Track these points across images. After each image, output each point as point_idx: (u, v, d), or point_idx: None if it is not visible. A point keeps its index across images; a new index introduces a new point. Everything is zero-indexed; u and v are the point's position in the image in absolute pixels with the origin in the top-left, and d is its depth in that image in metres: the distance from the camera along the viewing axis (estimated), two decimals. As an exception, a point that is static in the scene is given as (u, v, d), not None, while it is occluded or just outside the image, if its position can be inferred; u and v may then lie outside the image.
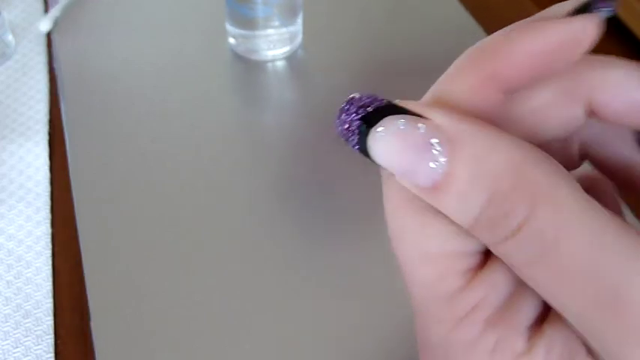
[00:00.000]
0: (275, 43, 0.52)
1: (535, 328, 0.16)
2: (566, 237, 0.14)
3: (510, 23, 0.17)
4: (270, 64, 0.53)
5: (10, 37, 0.54)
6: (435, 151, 0.15)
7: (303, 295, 0.39)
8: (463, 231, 0.16)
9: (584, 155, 0.20)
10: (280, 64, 0.53)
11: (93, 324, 0.38)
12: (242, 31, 0.51)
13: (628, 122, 0.17)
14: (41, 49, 0.54)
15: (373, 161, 0.16)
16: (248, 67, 0.52)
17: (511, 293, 0.17)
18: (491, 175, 0.15)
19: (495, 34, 0.17)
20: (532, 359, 0.16)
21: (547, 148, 0.16)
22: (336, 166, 0.46)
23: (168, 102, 0.50)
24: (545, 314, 0.17)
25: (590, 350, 0.16)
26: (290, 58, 0.53)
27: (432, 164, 0.15)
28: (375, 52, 0.53)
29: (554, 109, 0.17)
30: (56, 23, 0.56)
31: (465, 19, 0.56)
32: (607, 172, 0.19)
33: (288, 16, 0.51)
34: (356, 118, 0.17)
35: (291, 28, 0.52)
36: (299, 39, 0.53)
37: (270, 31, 0.51)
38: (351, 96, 0.17)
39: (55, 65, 0.53)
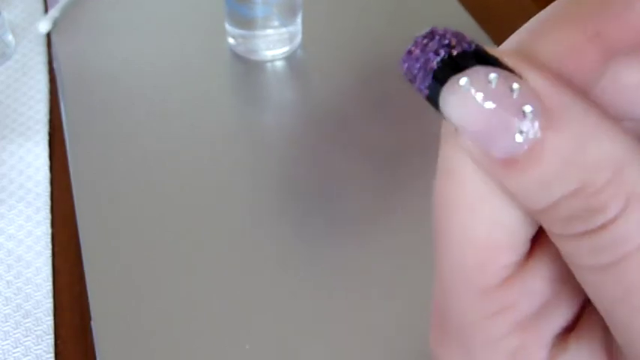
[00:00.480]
0: (274, 43, 0.52)
1: (561, 339, 0.15)
2: None
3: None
4: (269, 64, 0.53)
5: (10, 37, 0.54)
6: (525, 121, 0.13)
7: (302, 295, 0.39)
8: (520, 221, 0.14)
9: None
10: (280, 64, 0.53)
11: (93, 324, 0.38)
12: (241, 31, 0.51)
13: None
14: (41, 49, 0.54)
15: (440, 112, 0.13)
16: (247, 67, 0.52)
17: (546, 301, 0.15)
18: (588, 164, 0.13)
19: None
20: None
21: (630, 127, 0.15)
22: (336, 165, 0.46)
23: (168, 102, 0.50)
24: (574, 326, 0.16)
25: None
26: (289, 58, 0.53)
27: (518, 136, 0.13)
28: (374, 52, 0.53)
29: None
30: (56, 23, 0.56)
31: (465, 19, 0.56)
32: None
33: (288, 16, 0.51)
34: (435, 58, 0.14)
35: (291, 28, 0.52)
36: (298, 39, 0.53)
37: (269, 31, 0.51)
38: (432, 29, 0.14)
39: (55, 65, 0.53)
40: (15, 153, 0.47)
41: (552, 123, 0.13)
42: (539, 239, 0.15)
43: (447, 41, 0.13)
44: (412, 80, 0.14)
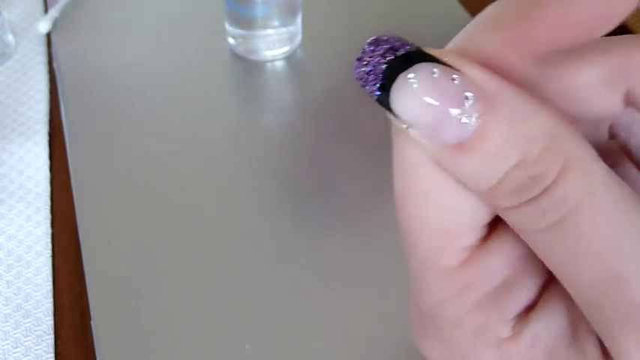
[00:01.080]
0: (274, 43, 0.52)
1: (522, 316, 0.17)
2: (591, 206, 0.14)
3: None
4: (269, 64, 0.53)
5: (10, 37, 0.54)
6: (467, 107, 0.14)
7: (303, 295, 0.39)
8: (472, 206, 0.16)
9: (613, 136, 0.19)
10: (280, 64, 0.53)
11: (93, 324, 0.38)
12: (241, 31, 0.51)
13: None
14: (41, 49, 0.54)
15: (391, 111, 0.15)
16: (247, 67, 0.52)
17: (505, 280, 0.17)
18: (526, 138, 0.14)
19: None
20: (517, 346, 0.16)
21: (575, 125, 0.16)
22: (335, 165, 0.46)
23: (167, 102, 0.50)
24: (535, 303, 0.17)
25: (576, 336, 0.16)
26: (289, 58, 0.53)
27: (464, 119, 0.14)
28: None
29: (593, 94, 0.16)
30: (56, 23, 0.56)
31: (465, 19, 0.56)
32: (634, 159, 0.18)
33: (288, 16, 0.51)
34: (382, 61, 0.15)
35: (291, 28, 0.52)
36: (298, 39, 0.53)
37: (269, 31, 0.51)
38: (376, 37, 0.15)
39: (55, 65, 0.53)
40: (15, 153, 0.47)
41: (490, 106, 0.14)
42: (496, 225, 0.17)
43: (391, 46, 0.15)
44: (364, 85, 0.15)
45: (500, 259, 0.17)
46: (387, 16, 0.57)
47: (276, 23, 0.51)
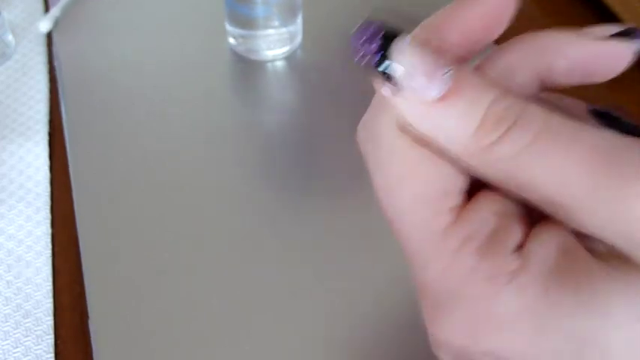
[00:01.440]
0: (275, 43, 0.52)
1: (520, 251, 0.19)
2: (552, 127, 0.17)
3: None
4: (269, 64, 0.53)
5: (10, 37, 0.54)
6: (447, 66, 0.18)
7: (303, 296, 0.39)
8: (447, 171, 0.19)
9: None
10: (280, 64, 0.53)
11: (91, 324, 0.38)
12: (242, 31, 0.51)
13: (579, 77, 0.20)
14: (41, 49, 0.54)
15: (385, 76, 0.19)
16: (248, 67, 0.52)
17: (496, 225, 0.19)
18: (492, 81, 0.19)
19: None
20: (529, 273, 0.18)
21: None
22: (335, 165, 0.46)
23: (168, 102, 0.50)
24: (523, 244, 0.19)
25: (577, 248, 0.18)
26: (290, 58, 0.53)
27: (446, 75, 0.18)
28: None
29: (517, 76, 0.20)
30: (56, 23, 0.56)
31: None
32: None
33: (288, 16, 0.51)
34: (378, 34, 0.19)
35: (291, 28, 0.52)
36: (299, 39, 0.53)
37: (269, 31, 0.51)
38: (362, 26, 0.20)
39: (55, 65, 0.53)
40: (15, 153, 0.47)
41: (462, 66, 0.18)
42: (473, 193, 0.20)
43: (379, 26, 0.19)
44: (363, 55, 0.19)
45: (485, 211, 0.19)
46: (387, 17, 0.57)
47: (276, 23, 0.51)
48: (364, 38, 0.19)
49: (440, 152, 0.19)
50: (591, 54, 0.20)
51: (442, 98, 0.18)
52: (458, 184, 0.19)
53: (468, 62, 0.20)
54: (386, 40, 0.19)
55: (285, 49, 0.53)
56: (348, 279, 0.40)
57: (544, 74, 0.20)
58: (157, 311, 0.38)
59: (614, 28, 0.20)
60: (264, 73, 0.52)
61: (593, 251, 0.18)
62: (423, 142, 0.19)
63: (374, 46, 0.19)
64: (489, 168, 0.18)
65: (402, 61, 0.18)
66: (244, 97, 0.51)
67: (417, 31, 0.20)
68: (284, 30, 0.51)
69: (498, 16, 0.20)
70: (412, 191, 0.19)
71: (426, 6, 0.59)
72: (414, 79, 0.18)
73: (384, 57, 0.18)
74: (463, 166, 0.19)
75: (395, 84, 0.18)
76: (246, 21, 0.50)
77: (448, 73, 0.18)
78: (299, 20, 0.52)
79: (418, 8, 0.58)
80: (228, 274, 0.40)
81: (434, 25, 0.20)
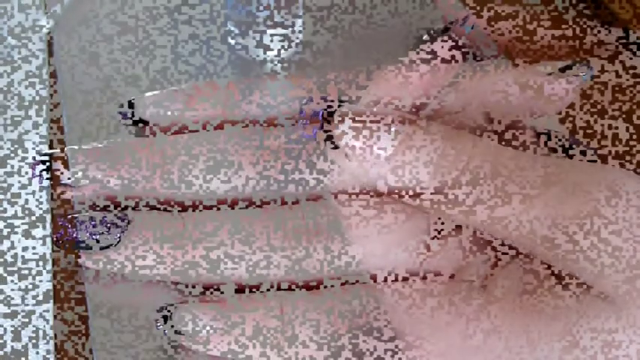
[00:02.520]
0: (275, 44, 0.52)
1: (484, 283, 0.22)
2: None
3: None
4: (269, 64, 0.53)
5: (10, 37, 0.54)
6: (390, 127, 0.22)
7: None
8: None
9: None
10: (280, 64, 0.53)
11: (91, 324, 0.38)
12: (242, 31, 0.51)
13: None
14: (41, 48, 0.54)
15: (339, 147, 0.22)
16: (248, 67, 0.52)
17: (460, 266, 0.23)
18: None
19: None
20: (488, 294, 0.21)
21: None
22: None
23: (168, 102, 0.50)
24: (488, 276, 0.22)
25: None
26: (290, 59, 0.53)
27: (393, 128, 0.21)
28: (374, 53, 0.53)
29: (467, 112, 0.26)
30: (57, 23, 0.56)
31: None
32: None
33: (288, 16, 0.51)
34: (321, 111, 0.23)
35: (291, 29, 0.52)
36: (299, 39, 0.53)
37: (269, 31, 0.51)
38: (302, 109, 0.24)
39: (56, 65, 0.53)
40: (15, 153, 0.47)
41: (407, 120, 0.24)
42: None
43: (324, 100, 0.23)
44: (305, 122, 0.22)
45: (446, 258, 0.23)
46: (388, 17, 0.57)
47: (276, 23, 0.51)
48: (306, 122, 0.22)
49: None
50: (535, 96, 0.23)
51: (387, 159, 0.23)
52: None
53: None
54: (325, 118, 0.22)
55: (284, 50, 0.53)
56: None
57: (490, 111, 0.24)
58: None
59: (560, 64, 0.22)
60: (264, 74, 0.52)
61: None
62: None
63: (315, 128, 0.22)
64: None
65: (345, 131, 0.22)
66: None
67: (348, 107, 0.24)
68: (284, 30, 0.51)
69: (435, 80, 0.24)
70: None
71: (425, 6, 0.59)
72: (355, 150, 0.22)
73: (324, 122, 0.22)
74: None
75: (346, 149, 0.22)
76: (246, 21, 0.50)
77: (395, 130, 0.22)
78: (299, 21, 0.52)
79: (418, 8, 0.58)
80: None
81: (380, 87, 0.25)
